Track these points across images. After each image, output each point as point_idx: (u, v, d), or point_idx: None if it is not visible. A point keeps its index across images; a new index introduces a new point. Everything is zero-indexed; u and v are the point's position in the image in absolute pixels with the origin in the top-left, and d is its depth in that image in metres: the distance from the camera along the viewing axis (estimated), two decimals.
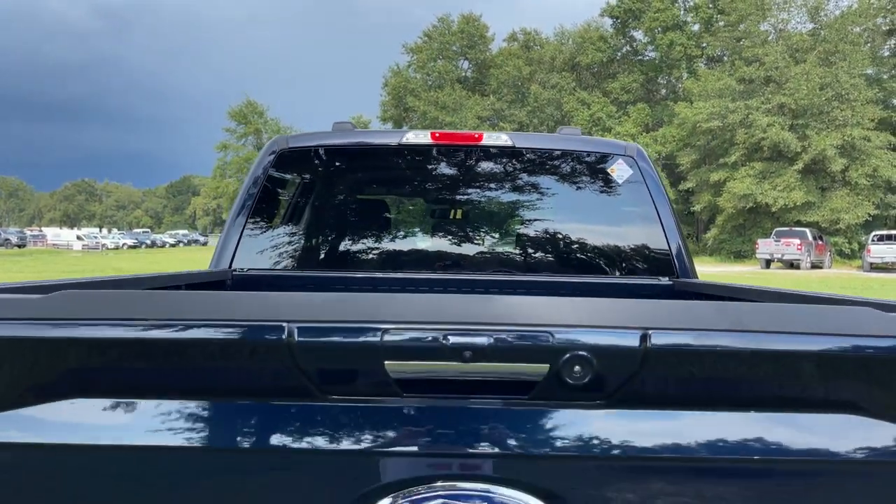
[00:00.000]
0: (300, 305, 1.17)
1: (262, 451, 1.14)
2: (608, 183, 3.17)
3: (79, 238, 77.77)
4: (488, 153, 3.18)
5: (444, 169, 3.30)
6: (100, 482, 1.16)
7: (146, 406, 1.15)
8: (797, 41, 43.03)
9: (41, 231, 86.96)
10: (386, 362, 1.13)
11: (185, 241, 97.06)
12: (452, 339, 1.12)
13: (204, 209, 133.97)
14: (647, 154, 3.29)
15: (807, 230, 34.33)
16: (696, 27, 53.18)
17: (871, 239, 33.53)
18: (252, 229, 3.09)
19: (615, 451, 1.14)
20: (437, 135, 3.10)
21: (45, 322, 1.14)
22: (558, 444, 1.14)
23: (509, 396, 1.17)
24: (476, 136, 3.11)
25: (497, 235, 3.45)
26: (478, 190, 3.36)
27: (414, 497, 1.11)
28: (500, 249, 3.37)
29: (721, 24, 49.16)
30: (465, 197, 3.40)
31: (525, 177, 3.26)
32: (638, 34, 55.60)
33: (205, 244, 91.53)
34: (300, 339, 1.11)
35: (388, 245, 3.42)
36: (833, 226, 39.63)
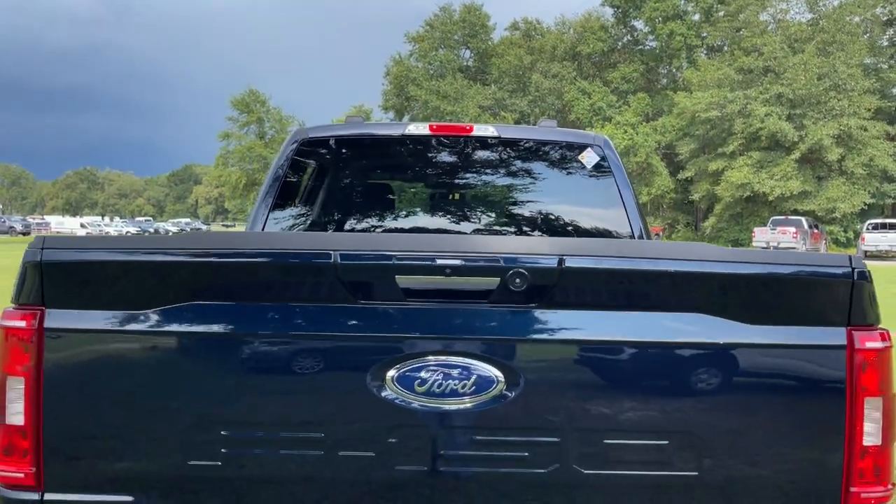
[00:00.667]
0: (342, 240, 1.77)
1: (314, 337, 1.74)
2: (579, 169, 3.74)
3: (82, 226, 78.26)
4: (478, 142, 3.75)
5: (440, 156, 3.89)
6: (209, 361, 1.77)
7: (239, 307, 1.75)
8: (796, 31, 43.42)
9: (44, 219, 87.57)
10: (396, 277, 1.74)
11: (188, 230, 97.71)
12: (438, 261, 1.72)
13: (206, 198, 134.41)
14: (612, 144, 3.84)
15: (802, 219, 34.90)
16: (696, 17, 53.50)
17: (865, 227, 34.14)
18: (277, 206, 3.67)
19: (544, 337, 1.74)
20: (435, 126, 3.66)
21: (179, 251, 1.75)
22: (506, 332, 1.73)
23: (475, 301, 1.77)
24: (468, 127, 3.68)
25: (484, 212, 4.04)
26: (469, 174, 3.95)
27: (412, 366, 1.71)
28: (486, 224, 3.96)
29: (721, 13, 49.55)
30: (458, 180, 3.99)
31: (508, 163, 3.84)
32: (639, 24, 55.94)
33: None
34: (342, 262, 1.71)
35: (389, 221, 4.01)
36: (829, 215, 40.19)
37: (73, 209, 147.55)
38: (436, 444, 1.71)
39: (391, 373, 1.70)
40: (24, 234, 66.03)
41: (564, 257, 1.69)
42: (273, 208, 3.60)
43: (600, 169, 3.63)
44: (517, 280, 1.68)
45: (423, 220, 4.12)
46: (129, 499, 1.72)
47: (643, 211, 3.81)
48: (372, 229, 3.89)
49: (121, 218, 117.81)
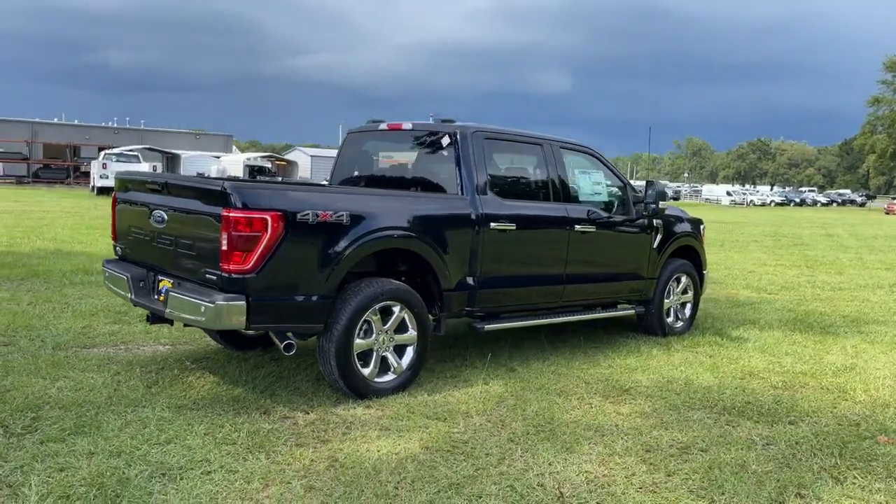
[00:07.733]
0: (169, 177, 5.52)
1: (156, 206, 5.62)
2: (441, 147, 6.17)
3: (728, 194, 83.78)
4: (403, 132, 6.54)
5: (389, 138, 6.79)
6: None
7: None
8: None
9: (699, 187, 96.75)
10: (148, 187, 5.46)
11: (839, 201, 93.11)
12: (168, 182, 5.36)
13: (878, 167, 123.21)
14: (467, 133, 5.90)
15: None
16: None
17: None
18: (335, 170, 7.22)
19: (174, 205, 5.07)
20: (389, 124, 6.64)
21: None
22: (168, 204, 5.14)
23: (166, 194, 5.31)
24: (400, 124, 6.54)
25: (403, 168, 6.70)
26: (399, 147, 6.72)
27: (154, 214, 5.36)
28: (399, 175, 6.62)
29: None
30: (395, 151, 6.77)
31: (416, 141, 6.48)
32: None
33: (860, 205, 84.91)
34: (166, 182, 5.53)
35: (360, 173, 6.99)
36: None
37: (742, 178, 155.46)
38: (161, 233, 5.21)
39: (154, 214, 5.38)
40: (674, 198, 75.19)
41: (169, 182, 5.15)
42: (333, 171, 7.23)
43: (450, 148, 6.03)
44: (166, 189, 5.20)
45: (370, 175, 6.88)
46: None
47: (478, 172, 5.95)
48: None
49: (783, 188, 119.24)
